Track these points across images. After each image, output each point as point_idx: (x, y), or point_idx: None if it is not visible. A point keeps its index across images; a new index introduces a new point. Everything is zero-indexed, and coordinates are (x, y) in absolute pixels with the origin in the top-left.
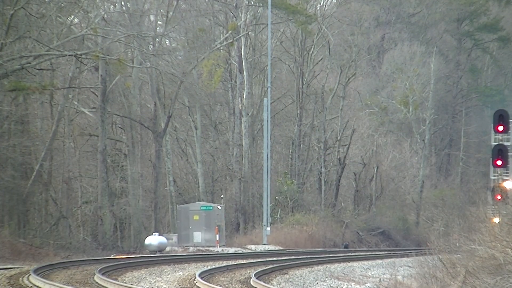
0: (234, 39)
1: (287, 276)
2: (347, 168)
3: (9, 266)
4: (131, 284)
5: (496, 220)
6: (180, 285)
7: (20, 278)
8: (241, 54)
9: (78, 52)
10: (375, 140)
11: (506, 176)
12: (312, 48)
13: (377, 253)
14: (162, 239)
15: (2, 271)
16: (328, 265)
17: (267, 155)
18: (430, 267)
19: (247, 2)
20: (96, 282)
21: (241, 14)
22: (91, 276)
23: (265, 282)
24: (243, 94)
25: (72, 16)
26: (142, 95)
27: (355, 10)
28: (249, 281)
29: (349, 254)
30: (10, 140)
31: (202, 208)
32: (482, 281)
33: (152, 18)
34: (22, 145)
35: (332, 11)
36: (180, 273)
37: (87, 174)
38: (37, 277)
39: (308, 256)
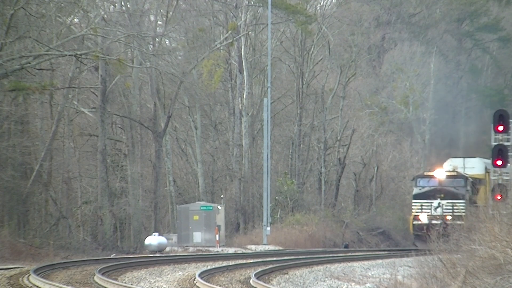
0: (234, 39)
1: (287, 276)
2: (347, 168)
3: (9, 266)
4: (131, 284)
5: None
6: (180, 285)
7: (20, 278)
8: (241, 54)
9: (78, 52)
10: (375, 140)
11: (507, 175)
12: (312, 48)
13: (377, 253)
14: (162, 239)
15: (2, 271)
16: (328, 265)
17: (267, 155)
18: (430, 267)
19: (247, 2)
20: (96, 282)
21: (241, 14)
22: (91, 276)
23: (265, 282)
24: (243, 94)
25: (72, 16)
26: (142, 95)
27: (355, 10)
28: (249, 281)
29: (349, 254)
30: (10, 140)
31: (202, 208)
32: (482, 281)
33: (152, 18)
34: (22, 145)
35: (332, 11)
36: (180, 273)
37: (87, 174)
38: (37, 277)
39: (308, 256)
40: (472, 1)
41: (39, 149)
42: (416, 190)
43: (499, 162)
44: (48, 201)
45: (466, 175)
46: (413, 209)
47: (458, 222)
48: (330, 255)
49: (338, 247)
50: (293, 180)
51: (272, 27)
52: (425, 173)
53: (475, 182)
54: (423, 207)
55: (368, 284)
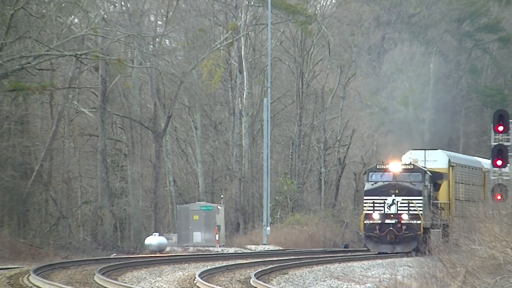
0: (234, 39)
1: (287, 276)
2: (347, 168)
3: (9, 266)
4: (131, 284)
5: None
6: (180, 285)
7: (20, 278)
8: (241, 54)
9: (78, 52)
10: (375, 140)
11: (506, 176)
12: (312, 48)
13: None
14: (162, 239)
15: (2, 271)
16: (328, 265)
17: (267, 155)
18: (430, 267)
19: (247, 2)
20: (96, 282)
21: (241, 14)
22: (91, 276)
23: (265, 282)
24: (243, 94)
25: (72, 16)
26: (142, 95)
27: (355, 10)
28: (249, 281)
29: (349, 254)
30: (10, 140)
31: (202, 208)
32: (482, 281)
33: (152, 18)
34: (22, 145)
35: (332, 11)
36: (180, 273)
37: (87, 174)
38: (37, 277)
39: (308, 256)
40: (473, 2)
41: (39, 149)
42: (368, 186)
43: (499, 162)
44: (48, 201)
45: (425, 169)
46: (365, 206)
47: (415, 222)
48: (330, 255)
49: (338, 247)
50: (293, 180)
51: (272, 27)
52: (378, 167)
53: (436, 177)
54: (376, 205)
55: (368, 284)
